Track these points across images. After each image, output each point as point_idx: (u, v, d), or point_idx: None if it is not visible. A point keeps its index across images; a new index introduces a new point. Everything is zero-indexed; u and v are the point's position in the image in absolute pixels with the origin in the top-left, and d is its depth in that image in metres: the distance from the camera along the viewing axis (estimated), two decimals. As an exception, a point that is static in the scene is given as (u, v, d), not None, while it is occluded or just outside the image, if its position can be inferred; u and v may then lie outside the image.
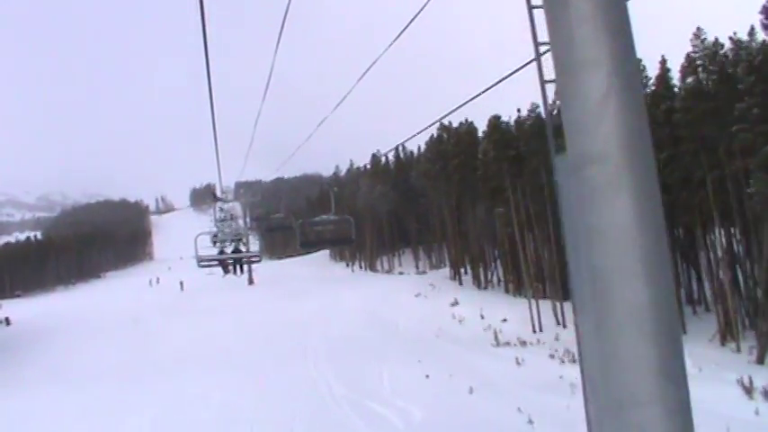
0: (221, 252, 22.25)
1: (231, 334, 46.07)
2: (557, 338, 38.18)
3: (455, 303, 47.30)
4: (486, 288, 54.54)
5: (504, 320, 42.32)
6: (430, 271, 75.38)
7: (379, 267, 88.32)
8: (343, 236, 17.63)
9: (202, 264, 18.39)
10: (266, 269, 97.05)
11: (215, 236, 22.15)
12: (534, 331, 40.54)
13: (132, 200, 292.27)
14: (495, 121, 44.86)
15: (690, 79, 32.70)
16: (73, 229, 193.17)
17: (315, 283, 71.85)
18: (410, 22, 7.67)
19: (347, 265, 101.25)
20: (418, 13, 7.15)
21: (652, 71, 37.88)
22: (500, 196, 47.01)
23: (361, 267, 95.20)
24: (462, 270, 59.01)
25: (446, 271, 64.79)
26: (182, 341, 45.48)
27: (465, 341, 39.61)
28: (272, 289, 68.72)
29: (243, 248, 23.33)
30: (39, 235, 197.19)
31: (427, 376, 31.95)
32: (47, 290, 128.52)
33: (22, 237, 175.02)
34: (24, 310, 79.28)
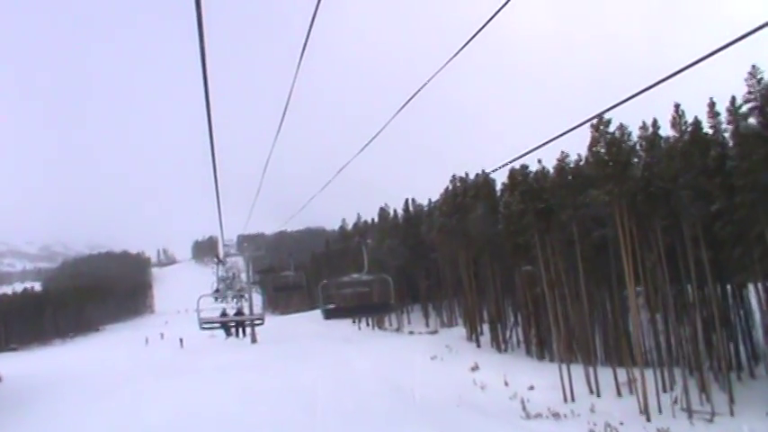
0: (224, 313, 20.86)
1: (232, 401, 42.51)
2: (592, 410, 34.75)
3: (475, 368, 43.87)
4: (506, 350, 51.05)
5: (531, 388, 38.88)
6: (441, 329, 71.85)
7: (387, 325, 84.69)
8: (381, 301, 15.34)
9: (204, 326, 16.64)
10: (269, 325, 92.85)
11: (217, 291, 20.82)
12: (566, 400, 37.08)
13: (134, 251, 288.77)
14: (520, 173, 42.24)
15: (748, 121, 30.04)
16: (73, 280, 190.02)
17: (321, 342, 68.20)
18: (421, 88, 7.66)
19: (354, 322, 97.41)
20: (431, 78, 7.30)
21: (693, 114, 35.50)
22: (524, 253, 44.16)
23: (368, 325, 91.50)
24: (478, 330, 55.59)
25: (460, 330, 61.32)
26: (177, 409, 41.89)
27: (490, 411, 36.16)
28: (276, 348, 65.08)
29: (245, 306, 21.40)
30: (38, 286, 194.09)
31: (453, 454, 28.58)
32: (44, 343, 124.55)
33: (22, 287, 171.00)
34: (17, 365, 75.85)
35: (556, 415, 34.12)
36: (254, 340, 77.22)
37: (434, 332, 69.22)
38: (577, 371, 38.37)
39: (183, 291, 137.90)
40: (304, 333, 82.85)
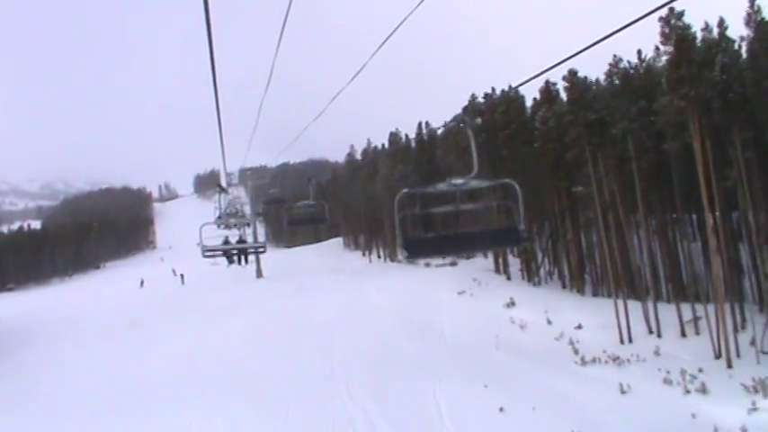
0: (226, 241, 20.74)
1: (239, 344, 37.87)
2: (657, 353, 29.77)
3: (511, 304, 38.82)
4: (538, 284, 45.99)
5: (579, 327, 33.86)
6: (461, 261, 66.93)
7: (400, 257, 79.83)
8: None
9: (207, 254, 16.44)
10: (275, 259, 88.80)
11: (219, 218, 20.07)
12: (622, 341, 32.10)
13: (135, 187, 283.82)
14: (572, 77, 35.94)
15: None
16: (72, 217, 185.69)
17: (331, 276, 63.45)
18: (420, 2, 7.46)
19: (363, 254, 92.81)
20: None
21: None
22: (566, 172, 38.54)
23: (379, 257, 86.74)
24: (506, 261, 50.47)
25: (484, 262, 56.34)
26: (179, 354, 37.29)
27: (536, 355, 31.24)
28: (283, 283, 60.32)
29: (249, 235, 21.65)
30: (39, 224, 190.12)
31: (501, 409, 23.72)
32: (42, 282, 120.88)
33: (24, 225, 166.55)
34: (14, 305, 71.94)
35: (616, 359, 29.15)
36: (259, 275, 72.57)
37: (454, 264, 64.13)
38: (634, 308, 33.25)
39: (185, 225, 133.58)
40: (312, 267, 78.22)
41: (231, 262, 22.11)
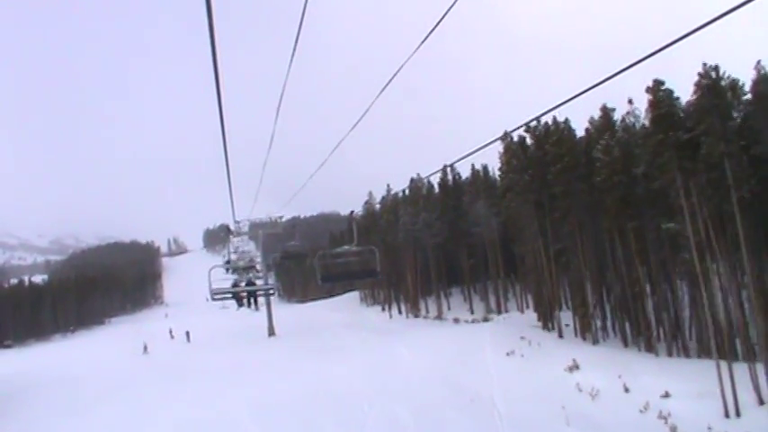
0: (235, 284, 20.08)
1: (250, 415, 31.69)
2: (779, 432, 23.54)
3: (574, 367, 32.56)
4: (597, 342, 39.73)
5: (667, 395, 27.57)
6: (492, 317, 60.67)
7: (423, 312, 73.56)
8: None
9: (216, 297, 16.50)
10: (288, 315, 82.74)
11: (227, 262, 20.33)
12: (728, 415, 25.78)
13: (144, 241, 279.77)
14: (657, 88, 30.27)
15: None
16: (78, 271, 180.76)
17: (351, 334, 57.17)
18: (420, 45, 7.76)
19: (383, 309, 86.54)
20: (428, 33, 7.36)
21: None
22: (636, 210, 32.74)
23: (400, 312, 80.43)
24: (554, 316, 44.28)
25: (526, 317, 50.19)
26: (179, 424, 31.21)
27: (619, 433, 25.01)
28: (298, 342, 54.10)
29: (257, 278, 21.11)
30: (46, 278, 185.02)
31: None
32: (43, 338, 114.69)
33: (25, 279, 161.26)
34: (6, 363, 65.93)
35: (731, 442, 22.91)
36: (271, 332, 66.36)
37: (486, 320, 58.01)
38: (740, 372, 27.03)
39: (194, 279, 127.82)
40: (328, 323, 72.01)
41: (241, 305, 20.81)
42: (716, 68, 29.36)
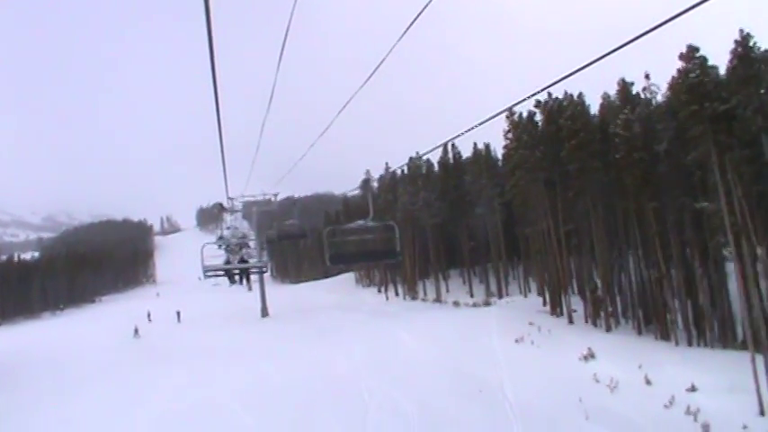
0: (228, 261, 18.97)
1: (242, 404, 29.45)
2: (826, 433, 21.42)
3: (590, 356, 30.40)
4: (609, 329, 37.60)
5: (693, 389, 25.44)
6: (491, 300, 58.54)
7: (421, 294, 71.40)
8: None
9: (208, 274, 16.39)
10: (281, 295, 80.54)
11: (220, 238, 19.22)
12: (763, 413, 23.64)
13: (136, 219, 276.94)
14: (691, 53, 27.83)
15: None
16: (70, 248, 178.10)
17: (347, 316, 55.00)
18: (409, 27, 7.59)
19: (379, 290, 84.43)
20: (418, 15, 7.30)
21: None
22: (656, 188, 30.39)
23: (396, 294, 78.28)
24: (564, 301, 42.09)
25: (530, 301, 48.04)
26: (164, 414, 29.00)
27: (648, 431, 22.86)
28: (292, 324, 51.89)
29: (250, 255, 19.91)
30: (37, 255, 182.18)
31: None
32: (31, 316, 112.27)
33: (25, 257, 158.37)
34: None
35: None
36: (264, 313, 64.16)
37: (487, 303, 55.85)
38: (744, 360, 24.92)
39: (187, 258, 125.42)
40: (323, 304, 69.93)
41: (233, 282, 19.92)
42: (747, 37, 27.02)
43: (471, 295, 64.98)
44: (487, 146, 66.13)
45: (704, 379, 25.90)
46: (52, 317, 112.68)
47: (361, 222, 13.59)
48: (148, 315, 69.59)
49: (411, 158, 75.63)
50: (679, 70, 28.30)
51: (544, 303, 46.05)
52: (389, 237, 13.72)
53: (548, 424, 24.30)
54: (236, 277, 19.52)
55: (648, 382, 26.86)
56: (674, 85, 30.47)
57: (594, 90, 39.71)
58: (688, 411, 23.84)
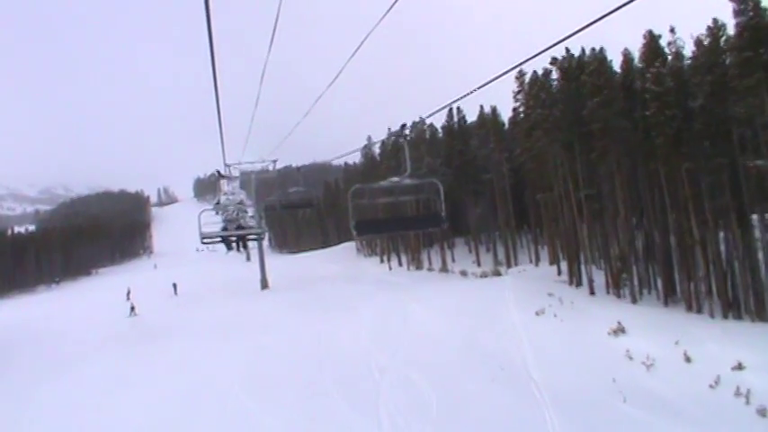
0: (225, 228, 17.65)
1: (242, 385, 27.13)
2: None
3: (620, 331, 27.97)
4: (635, 301, 35.22)
5: (740, 367, 23.03)
6: (500, 269, 56.20)
7: (426, 264, 69.05)
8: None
9: (205, 240, 16.02)
10: (281, 266, 78.15)
11: (217, 203, 17.72)
12: (822, 394, 21.27)
13: (133, 190, 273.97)
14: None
15: None
16: (66, 221, 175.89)
17: (351, 288, 52.71)
18: None
19: (381, 260, 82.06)
20: None
21: None
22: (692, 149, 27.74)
23: (400, 264, 75.97)
24: (581, 270, 39.65)
25: (543, 270, 45.62)
26: (156, 397, 26.67)
27: (694, 415, 20.50)
28: (294, 297, 49.53)
29: (247, 221, 18.32)
30: (33, 228, 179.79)
31: None
32: (26, 290, 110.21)
33: (21, 230, 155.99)
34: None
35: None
36: (264, 285, 61.86)
37: (497, 273, 53.51)
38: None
39: (184, 230, 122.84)
40: (324, 275, 67.60)
41: (230, 248, 19.84)
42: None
43: (479, 264, 62.67)
44: (494, 109, 63.21)
45: (752, 357, 23.47)
46: (47, 290, 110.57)
47: (395, 179, 10.76)
48: (128, 293, 62.91)
49: (414, 122, 72.77)
50: (715, 20, 25.36)
51: (558, 273, 43.66)
52: (431, 198, 11.57)
53: (582, 408, 21.92)
54: (234, 244, 18.96)
55: (688, 360, 24.44)
56: (714, 33, 27.65)
57: (610, 47, 37.25)
58: (737, 392, 21.45)
